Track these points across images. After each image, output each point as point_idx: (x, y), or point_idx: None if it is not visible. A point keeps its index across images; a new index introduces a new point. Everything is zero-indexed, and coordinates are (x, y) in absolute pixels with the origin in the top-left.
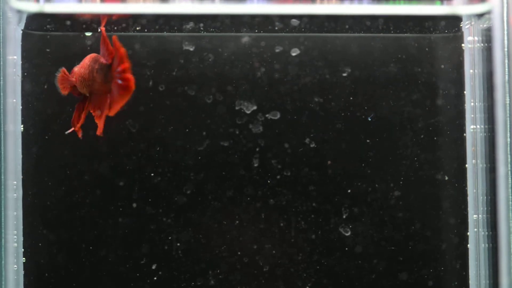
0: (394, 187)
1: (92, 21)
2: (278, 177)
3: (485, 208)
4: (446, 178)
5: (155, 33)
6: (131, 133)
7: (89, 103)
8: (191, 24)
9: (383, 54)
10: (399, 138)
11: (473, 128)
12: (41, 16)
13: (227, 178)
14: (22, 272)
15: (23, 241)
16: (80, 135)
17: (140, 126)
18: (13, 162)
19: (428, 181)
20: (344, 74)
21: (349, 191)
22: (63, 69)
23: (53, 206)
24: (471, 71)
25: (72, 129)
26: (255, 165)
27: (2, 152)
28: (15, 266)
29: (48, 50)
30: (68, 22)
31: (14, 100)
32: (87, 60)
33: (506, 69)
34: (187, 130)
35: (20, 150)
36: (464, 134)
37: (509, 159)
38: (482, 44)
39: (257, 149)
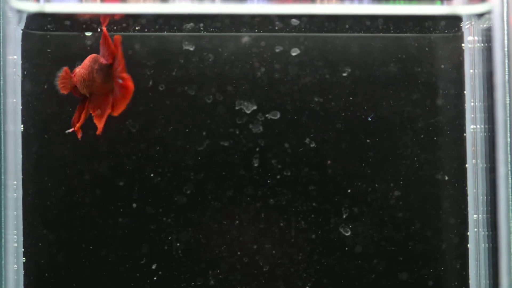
0: (394, 187)
1: (92, 21)
2: (278, 177)
3: (485, 208)
4: (446, 178)
5: (155, 32)
6: (131, 133)
7: (89, 104)
8: (191, 24)
9: (383, 54)
10: (399, 138)
11: (473, 128)
12: (41, 16)
13: (227, 178)
14: (22, 272)
15: (23, 241)
16: (79, 135)
17: (140, 126)
18: (13, 162)
19: (428, 181)
20: (344, 74)
21: (349, 191)
22: (66, 68)
23: (53, 206)
24: (471, 71)
25: (72, 129)
26: (255, 165)
27: (2, 152)
28: (15, 266)
29: (48, 50)
30: (68, 22)
31: (14, 100)
32: (87, 60)
33: (506, 69)
34: (187, 130)
35: (20, 150)
36: (464, 134)
37: (509, 159)
38: (482, 44)
39: (257, 149)
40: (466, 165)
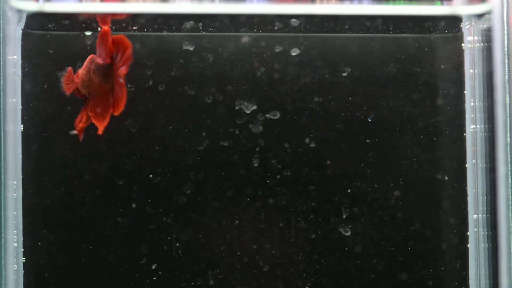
0: (394, 187)
1: (92, 20)
2: (278, 177)
3: (485, 208)
4: (446, 178)
5: (155, 32)
6: (131, 133)
7: (88, 104)
8: (190, 23)
9: (383, 54)
10: (399, 138)
11: (473, 128)
12: (41, 15)
13: (227, 178)
14: (22, 272)
15: (23, 241)
16: (81, 137)
17: (140, 126)
18: (13, 162)
19: (428, 181)
20: (344, 74)
21: (349, 191)
22: (69, 68)
23: (53, 206)
24: (471, 71)
25: (76, 131)
26: (255, 165)
27: (2, 152)
28: (15, 266)
29: (48, 49)
30: (68, 22)
31: (14, 100)
32: (86, 61)
33: (506, 69)
34: (187, 130)
35: (20, 150)
36: (464, 134)
37: (509, 159)
38: (482, 44)
39: (257, 149)
40: (466, 165)
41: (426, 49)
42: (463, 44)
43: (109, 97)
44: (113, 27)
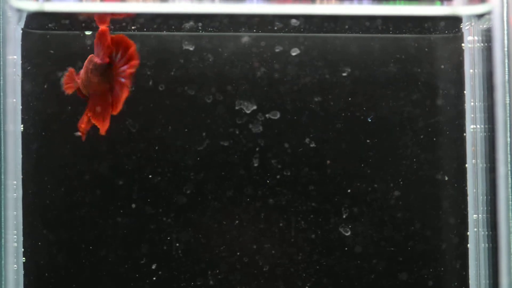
0: (394, 187)
1: (92, 20)
2: (278, 177)
3: (485, 208)
4: (446, 178)
5: (155, 32)
6: (131, 133)
7: (89, 104)
8: (190, 23)
9: (383, 54)
10: (399, 138)
11: (473, 128)
12: (41, 15)
13: (227, 178)
14: (22, 272)
15: (23, 241)
16: (84, 137)
17: (140, 126)
18: (13, 162)
19: (428, 181)
20: (344, 74)
21: (349, 191)
22: (71, 69)
23: (53, 206)
24: (471, 71)
25: (80, 132)
26: (255, 165)
27: (2, 152)
28: (15, 266)
29: (48, 49)
30: (68, 21)
31: (14, 100)
32: (86, 61)
33: (506, 69)
34: (187, 130)
35: (20, 150)
36: (464, 134)
37: (509, 159)
38: (482, 44)
39: (257, 149)
40: (466, 165)
41: (426, 49)
42: (463, 44)
43: (108, 97)
44: (112, 27)
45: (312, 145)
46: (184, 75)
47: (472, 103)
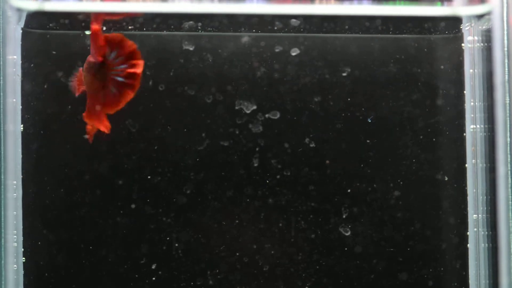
0: (394, 187)
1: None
2: (278, 177)
3: (485, 208)
4: (446, 178)
5: (155, 31)
6: (131, 133)
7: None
8: (190, 23)
9: (383, 54)
10: (399, 138)
11: (473, 128)
12: (41, 14)
13: (227, 178)
14: (22, 272)
15: (23, 241)
16: (91, 140)
17: (140, 126)
18: (13, 162)
19: (428, 181)
20: (344, 74)
21: (349, 191)
22: (81, 69)
23: (53, 206)
24: (471, 71)
25: (88, 135)
26: (255, 165)
27: (2, 152)
28: (15, 266)
29: (48, 49)
30: (68, 21)
31: (14, 100)
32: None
33: (506, 69)
34: (187, 130)
35: (20, 150)
36: (464, 134)
37: (509, 159)
38: (482, 44)
39: (257, 149)
40: (466, 165)
41: (426, 49)
42: (463, 45)
43: (99, 96)
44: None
45: (312, 145)
46: (184, 75)
47: (472, 103)
